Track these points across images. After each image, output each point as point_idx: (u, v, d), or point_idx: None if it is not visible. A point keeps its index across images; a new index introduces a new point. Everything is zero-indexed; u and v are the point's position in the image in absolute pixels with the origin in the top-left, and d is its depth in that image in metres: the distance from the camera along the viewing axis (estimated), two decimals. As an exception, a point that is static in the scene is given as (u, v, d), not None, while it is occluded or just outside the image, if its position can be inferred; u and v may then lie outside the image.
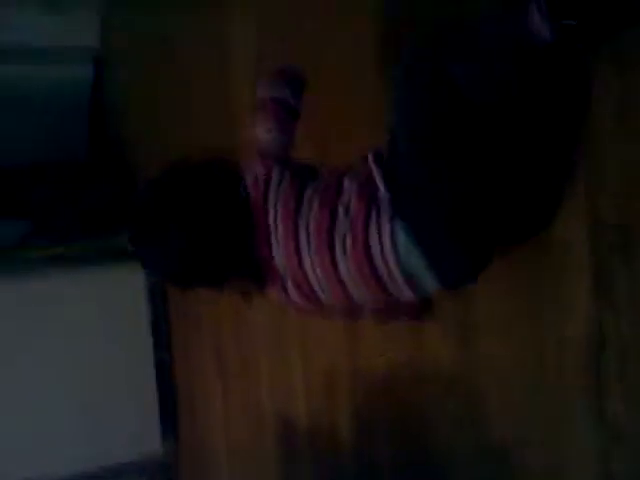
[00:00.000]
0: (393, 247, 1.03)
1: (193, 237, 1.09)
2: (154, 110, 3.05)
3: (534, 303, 1.25)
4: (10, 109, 3.27)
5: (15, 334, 2.74)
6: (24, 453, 2.74)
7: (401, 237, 1.02)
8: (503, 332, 1.32)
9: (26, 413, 2.76)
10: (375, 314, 1.29)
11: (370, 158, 1.09)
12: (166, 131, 2.92)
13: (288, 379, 2.09)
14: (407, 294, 1.10)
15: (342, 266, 1.06)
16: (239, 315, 2.30)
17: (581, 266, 1.14)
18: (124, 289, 2.90)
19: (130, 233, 1.16)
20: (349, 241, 1.04)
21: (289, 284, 1.12)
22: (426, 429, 1.54)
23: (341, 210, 1.05)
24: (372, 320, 1.32)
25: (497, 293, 1.31)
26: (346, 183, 1.08)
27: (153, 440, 3.04)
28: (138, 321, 2.96)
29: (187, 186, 1.10)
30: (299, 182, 1.10)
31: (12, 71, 3.27)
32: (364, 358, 1.72)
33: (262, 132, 1.14)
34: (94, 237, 2.92)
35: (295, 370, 2.04)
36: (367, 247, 1.04)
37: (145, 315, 2.97)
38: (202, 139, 2.52)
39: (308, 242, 1.07)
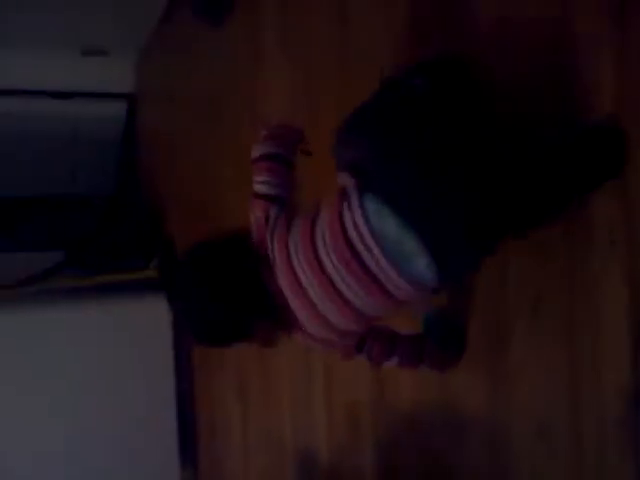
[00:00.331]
0: (366, 222, 1.03)
1: (227, 298, 1.11)
2: (182, 147, 3.08)
3: (569, 355, 1.19)
4: (47, 143, 3.36)
5: (45, 360, 2.76)
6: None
7: (371, 207, 1.03)
8: (535, 382, 1.26)
9: (44, 442, 2.74)
10: (399, 363, 1.26)
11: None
12: (193, 167, 2.95)
13: (310, 411, 2.05)
14: (401, 285, 1.05)
15: (327, 263, 1.05)
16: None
17: (620, 317, 1.09)
18: (149, 320, 2.89)
19: (171, 302, 1.20)
20: (327, 233, 1.05)
21: (300, 316, 1.10)
22: (446, 473, 1.49)
23: (321, 217, 1.08)
24: (396, 367, 1.28)
25: (531, 343, 1.26)
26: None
27: (172, 470, 3.01)
28: (161, 351, 2.96)
29: (214, 256, 1.14)
30: (292, 216, 1.14)
31: (50, 107, 3.38)
32: (388, 395, 1.68)
33: (258, 185, 1.18)
34: (123, 268, 2.97)
35: (317, 403, 2.00)
36: (344, 232, 1.04)
37: (168, 345, 2.97)
38: (230, 176, 2.56)
39: (298, 259, 1.07)
